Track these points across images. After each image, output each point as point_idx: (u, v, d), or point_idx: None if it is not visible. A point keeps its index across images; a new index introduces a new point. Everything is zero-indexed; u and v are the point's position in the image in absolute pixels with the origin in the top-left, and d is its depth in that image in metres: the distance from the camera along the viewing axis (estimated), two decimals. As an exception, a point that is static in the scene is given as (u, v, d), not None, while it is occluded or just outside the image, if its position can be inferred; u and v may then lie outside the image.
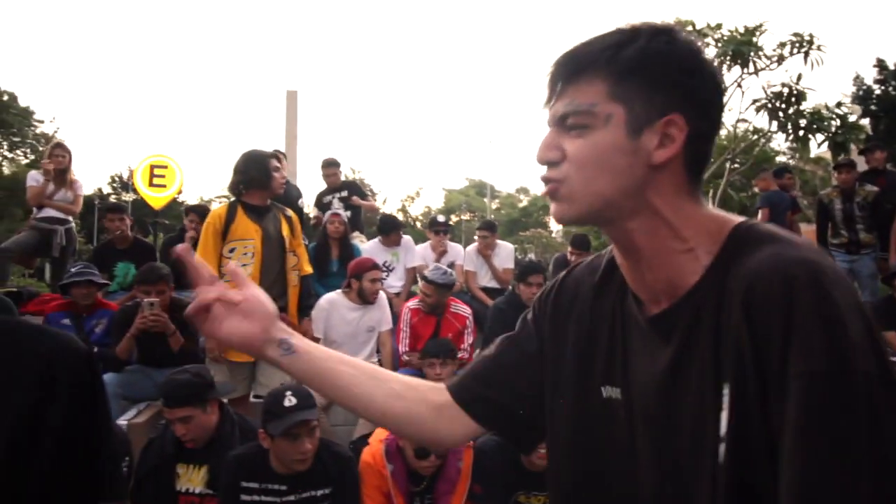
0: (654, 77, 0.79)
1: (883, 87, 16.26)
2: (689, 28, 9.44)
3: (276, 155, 3.82)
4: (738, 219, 0.84)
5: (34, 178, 5.97)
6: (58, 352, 1.10)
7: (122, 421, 3.55)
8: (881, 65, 16.48)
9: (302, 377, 0.98)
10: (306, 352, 0.97)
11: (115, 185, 37.75)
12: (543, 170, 0.85)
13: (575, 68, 0.81)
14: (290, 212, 4.01)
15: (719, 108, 0.84)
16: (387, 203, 39.97)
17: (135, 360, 4.11)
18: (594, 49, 0.81)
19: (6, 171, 39.07)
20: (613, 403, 0.89)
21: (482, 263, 6.12)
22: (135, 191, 16.85)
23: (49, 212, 5.87)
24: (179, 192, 12.85)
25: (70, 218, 5.99)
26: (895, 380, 0.67)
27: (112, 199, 31.33)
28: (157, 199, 11.34)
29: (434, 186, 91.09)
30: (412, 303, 4.76)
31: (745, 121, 8.26)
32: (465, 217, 43.43)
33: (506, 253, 6.24)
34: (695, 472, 0.77)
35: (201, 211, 5.73)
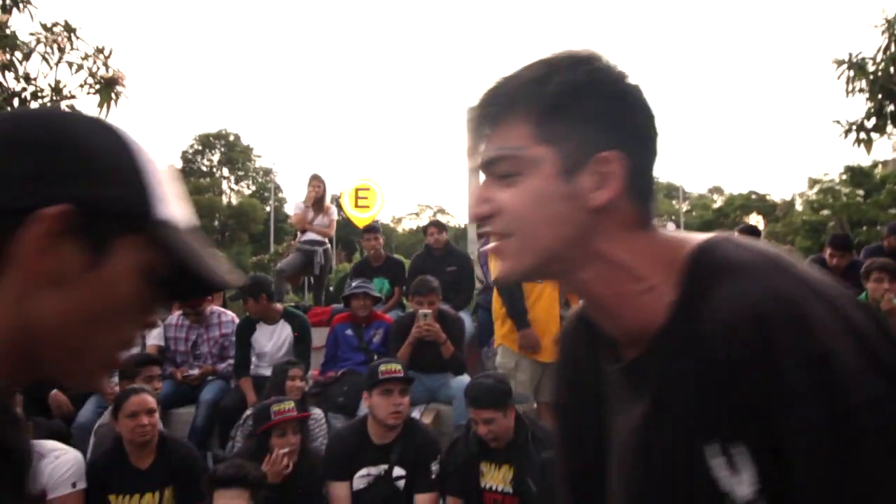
0: (581, 112, 0.71)
1: None
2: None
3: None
4: (694, 240, 0.74)
5: (297, 206, 6.76)
6: None
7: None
8: None
9: None
10: None
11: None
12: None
13: (497, 109, 0.74)
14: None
15: (654, 134, 0.75)
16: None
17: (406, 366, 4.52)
18: (513, 86, 0.73)
19: (233, 201, 44.74)
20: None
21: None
22: (340, 212, 18.50)
23: (310, 235, 6.61)
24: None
25: (326, 240, 6.70)
26: None
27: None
28: (362, 219, 12.35)
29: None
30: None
31: None
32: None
33: None
34: None
35: (439, 224, 6.14)
